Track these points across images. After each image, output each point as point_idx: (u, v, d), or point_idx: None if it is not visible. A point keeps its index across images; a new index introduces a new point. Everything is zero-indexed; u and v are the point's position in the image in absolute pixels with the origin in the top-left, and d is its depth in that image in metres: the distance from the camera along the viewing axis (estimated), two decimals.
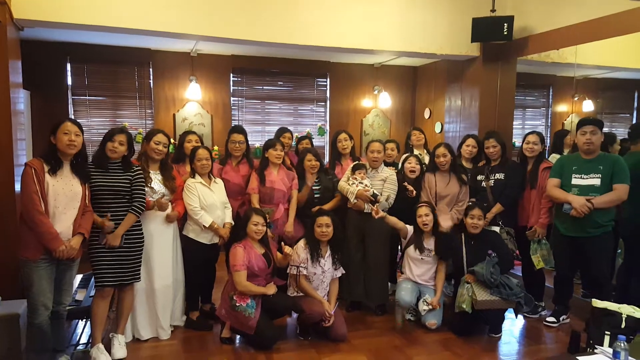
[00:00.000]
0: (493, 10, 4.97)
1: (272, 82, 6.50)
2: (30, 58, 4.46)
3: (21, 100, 3.92)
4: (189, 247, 3.57)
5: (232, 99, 6.27)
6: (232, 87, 6.26)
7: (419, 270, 3.77)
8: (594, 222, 3.40)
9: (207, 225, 3.48)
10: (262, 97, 6.46)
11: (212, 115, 6.12)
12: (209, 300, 3.92)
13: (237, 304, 3.28)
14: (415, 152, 4.69)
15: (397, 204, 3.94)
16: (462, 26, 5.07)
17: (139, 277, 3.20)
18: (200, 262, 3.63)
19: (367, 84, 6.80)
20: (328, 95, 6.69)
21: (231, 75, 6.23)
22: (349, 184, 3.87)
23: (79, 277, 3.68)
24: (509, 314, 3.98)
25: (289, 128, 4.63)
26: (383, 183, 3.92)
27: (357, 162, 4.05)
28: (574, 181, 3.50)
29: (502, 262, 3.54)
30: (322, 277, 3.57)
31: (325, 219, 3.53)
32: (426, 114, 6.68)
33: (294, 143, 4.82)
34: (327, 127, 6.66)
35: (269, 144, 3.89)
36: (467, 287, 3.49)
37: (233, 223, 3.70)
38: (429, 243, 3.74)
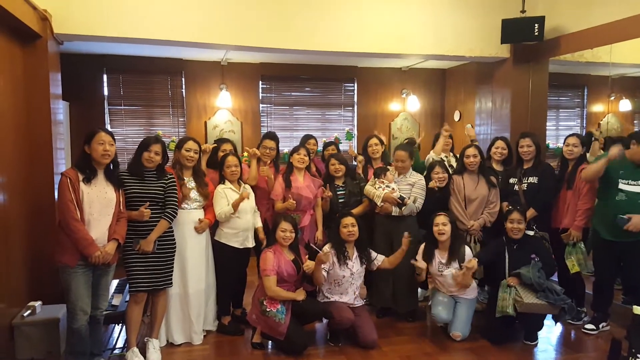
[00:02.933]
0: (523, 11, 4.87)
1: (300, 88, 6.56)
2: (69, 70, 4.64)
3: (61, 111, 4.07)
4: (220, 251, 3.61)
5: (261, 105, 6.36)
6: (261, 94, 6.35)
7: (446, 284, 3.66)
8: None
9: (233, 211, 3.49)
10: (290, 104, 6.52)
11: (241, 122, 6.21)
12: (240, 305, 3.97)
13: (268, 309, 3.30)
14: (442, 155, 4.63)
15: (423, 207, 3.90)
16: (491, 27, 4.98)
17: (171, 283, 3.28)
18: (232, 266, 3.67)
19: (395, 87, 6.77)
20: (356, 99, 6.69)
21: (260, 82, 6.32)
22: (375, 187, 3.86)
23: (115, 283, 3.80)
24: (546, 320, 3.87)
25: (314, 135, 4.66)
26: (411, 188, 3.89)
27: (379, 166, 4.05)
28: (621, 186, 3.41)
29: (545, 267, 3.46)
30: (350, 279, 3.56)
31: (350, 219, 3.53)
32: (456, 117, 6.59)
33: (319, 149, 4.83)
34: (355, 132, 6.66)
35: (293, 150, 3.94)
36: (510, 290, 3.39)
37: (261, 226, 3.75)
38: (443, 256, 3.62)
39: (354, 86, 6.67)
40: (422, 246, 3.70)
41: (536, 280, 3.33)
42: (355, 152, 5.47)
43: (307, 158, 3.87)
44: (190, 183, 3.46)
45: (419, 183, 3.91)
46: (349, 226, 3.51)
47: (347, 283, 3.56)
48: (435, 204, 3.90)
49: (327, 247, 3.57)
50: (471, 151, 3.96)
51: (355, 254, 3.59)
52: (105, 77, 5.82)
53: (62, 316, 3.11)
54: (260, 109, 6.36)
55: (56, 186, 3.62)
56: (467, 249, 3.68)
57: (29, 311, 3.14)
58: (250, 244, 3.70)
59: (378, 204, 3.80)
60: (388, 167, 4.02)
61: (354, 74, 6.60)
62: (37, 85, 3.70)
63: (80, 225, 2.76)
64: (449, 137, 4.74)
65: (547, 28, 4.73)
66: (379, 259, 3.63)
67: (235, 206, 3.47)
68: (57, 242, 2.82)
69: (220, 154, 3.85)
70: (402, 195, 3.77)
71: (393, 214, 3.81)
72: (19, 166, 3.41)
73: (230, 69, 6.15)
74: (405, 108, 6.81)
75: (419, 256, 3.68)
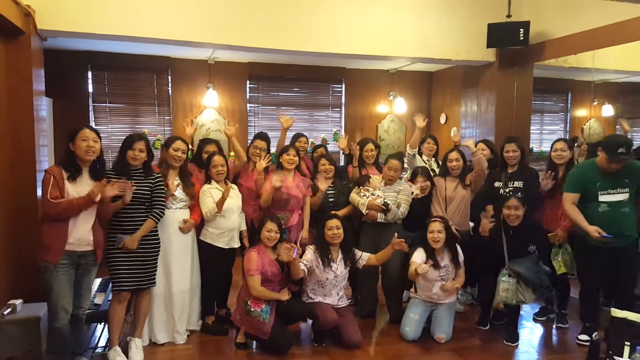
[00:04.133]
0: (509, 16, 4.95)
1: (288, 88, 6.56)
2: (53, 66, 4.57)
3: (44, 108, 4.02)
4: (205, 251, 3.60)
5: (248, 105, 6.34)
6: (248, 94, 6.33)
7: (437, 289, 3.63)
8: (627, 231, 3.30)
9: (216, 209, 3.45)
10: (277, 104, 6.51)
11: (228, 121, 6.15)
12: (224, 305, 3.95)
13: (252, 309, 3.30)
14: (424, 158, 4.67)
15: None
16: (477, 32, 5.05)
17: (155, 282, 3.25)
18: (217, 266, 3.65)
19: (383, 89, 6.80)
20: (343, 101, 6.71)
21: (247, 82, 6.30)
22: (360, 195, 3.87)
23: (98, 281, 3.75)
24: (528, 322, 3.94)
25: (304, 133, 4.67)
26: (397, 195, 3.89)
27: (362, 175, 4.07)
28: (602, 198, 3.33)
29: (541, 253, 3.54)
30: (334, 281, 3.57)
31: (335, 222, 3.54)
32: (442, 119, 6.65)
33: (309, 149, 4.83)
34: (342, 133, 6.67)
35: (283, 150, 3.93)
36: (512, 281, 3.47)
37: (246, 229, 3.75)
38: (444, 259, 3.63)
39: (341, 87, 6.69)
40: (421, 251, 3.62)
41: (537, 281, 3.43)
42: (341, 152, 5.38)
43: (296, 158, 3.87)
44: (176, 180, 3.44)
45: (405, 190, 3.92)
46: (334, 229, 3.51)
47: (330, 285, 3.57)
48: (420, 208, 3.94)
49: (311, 249, 3.57)
50: (454, 155, 3.99)
51: (340, 256, 3.59)
52: (90, 74, 5.74)
53: (44, 315, 3.05)
54: (248, 108, 6.34)
55: (39, 183, 3.59)
56: (459, 251, 3.68)
57: (9, 309, 3.08)
58: (236, 244, 3.69)
59: (363, 211, 3.82)
60: (370, 175, 4.03)
61: (342, 75, 6.62)
62: (20, 81, 3.64)
63: (61, 200, 2.70)
64: (433, 143, 4.76)
65: (532, 33, 4.81)
66: (364, 258, 3.64)
67: (219, 205, 3.45)
68: (40, 240, 2.77)
69: (205, 155, 3.82)
70: (386, 201, 3.78)
71: (378, 220, 3.82)
72: (0, 163, 3.35)
73: (218, 67, 6.11)
74: (393, 110, 6.83)
75: (417, 258, 3.57)
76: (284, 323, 3.45)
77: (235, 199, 3.68)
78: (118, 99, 5.88)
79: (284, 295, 3.40)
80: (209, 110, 6.12)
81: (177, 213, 3.43)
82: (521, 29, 4.77)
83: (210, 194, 3.55)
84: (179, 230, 3.43)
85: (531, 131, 5.56)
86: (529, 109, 5.37)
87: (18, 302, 3.14)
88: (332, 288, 3.58)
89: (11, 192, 3.47)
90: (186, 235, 3.48)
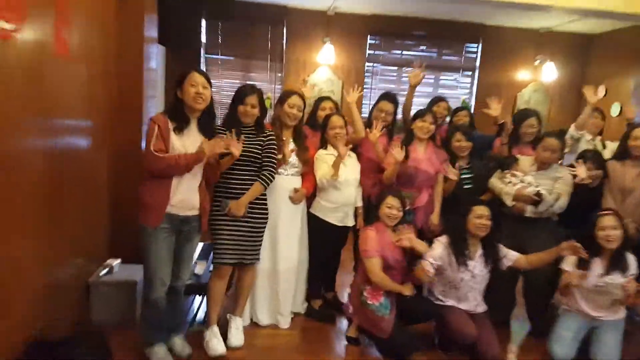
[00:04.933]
0: None
1: (413, 46, 5.87)
2: (167, 13, 4.31)
3: (154, 56, 3.78)
4: (315, 226, 3.17)
5: (366, 64, 5.73)
6: (367, 51, 5.71)
7: (594, 304, 2.86)
8: None
9: (334, 173, 2.97)
10: (399, 64, 5.84)
11: (343, 82, 5.62)
12: (332, 287, 3.52)
13: (369, 302, 2.81)
14: (587, 137, 3.79)
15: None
16: None
17: (259, 257, 2.88)
18: (327, 244, 3.22)
19: (528, 52, 5.82)
20: (477, 64, 5.86)
21: (368, 37, 5.67)
22: (504, 182, 3.12)
23: (199, 246, 3.46)
24: None
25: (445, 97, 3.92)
26: (553, 183, 3.10)
27: (509, 155, 3.32)
28: None
29: None
30: (471, 282, 2.89)
31: (485, 210, 2.83)
32: (600, 93, 5.48)
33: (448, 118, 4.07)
34: (473, 102, 5.85)
35: (418, 114, 3.26)
36: None
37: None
38: (602, 265, 2.79)
39: (477, 47, 5.84)
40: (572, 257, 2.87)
41: None
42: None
43: (432, 127, 3.22)
44: (290, 144, 2.99)
45: (565, 178, 3.11)
46: (484, 218, 2.80)
47: (466, 287, 2.90)
48: (583, 200, 3.12)
49: (442, 238, 2.91)
50: (638, 133, 3.15)
51: (480, 252, 2.89)
52: (204, 22, 5.47)
53: (140, 279, 2.82)
54: (366, 67, 5.72)
55: (144, 135, 3.32)
56: (630, 256, 2.84)
57: (106, 270, 2.92)
58: (350, 222, 3.23)
59: (508, 202, 3.08)
60: (518, 156, 3.28)
61: (479, 33, 5.75)
62: (130, 27, 3.35)
63: (165, 154, 2.35)
64: (601, 117, 3.85)
65: None
66: (510, 257, 2.90)
67: (336, 167, 2.96)
68: (140, 199, 2.44)
69: (321, 112, 3.33)
70: (540, 191, 3.01)
71: (527, 214, 3.09)
72: (106, 112, 3.12)
73: (337, 20, 5.53)
74: (538, 78, 5.85)
75: (569, 266, 2.85)
76: (403, 322, 2.89)
77: (352, 169, 3.18)
78: (230, 51, 5.59)
79: (407, 290, 2.84)
80: (323, 69, 5.61)
81: (288, 180, 3.02)
82: None
83: (325, 160, 3.08)
84: (289, 200, 3.02)
85: None
86: None
87: (116, 262, 2.98)
88: (468, 291, 2.91)
89: (115, 142, 3.26)
90: (296, 207, 3.07)
